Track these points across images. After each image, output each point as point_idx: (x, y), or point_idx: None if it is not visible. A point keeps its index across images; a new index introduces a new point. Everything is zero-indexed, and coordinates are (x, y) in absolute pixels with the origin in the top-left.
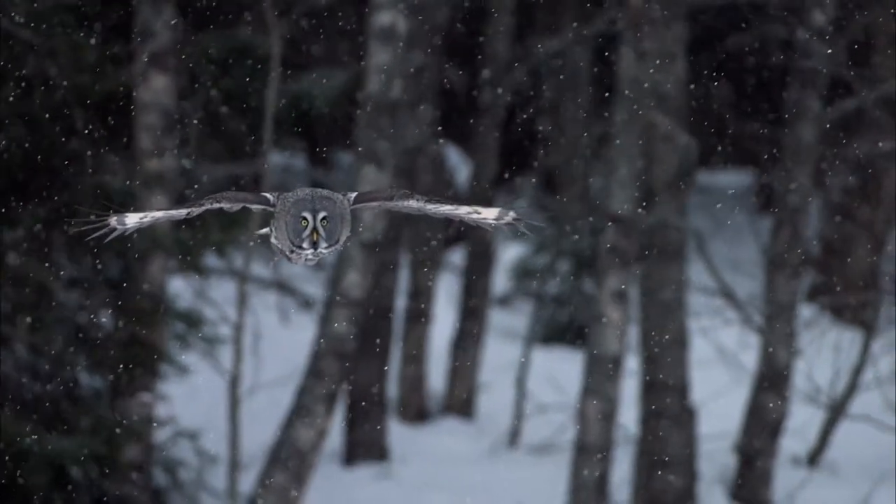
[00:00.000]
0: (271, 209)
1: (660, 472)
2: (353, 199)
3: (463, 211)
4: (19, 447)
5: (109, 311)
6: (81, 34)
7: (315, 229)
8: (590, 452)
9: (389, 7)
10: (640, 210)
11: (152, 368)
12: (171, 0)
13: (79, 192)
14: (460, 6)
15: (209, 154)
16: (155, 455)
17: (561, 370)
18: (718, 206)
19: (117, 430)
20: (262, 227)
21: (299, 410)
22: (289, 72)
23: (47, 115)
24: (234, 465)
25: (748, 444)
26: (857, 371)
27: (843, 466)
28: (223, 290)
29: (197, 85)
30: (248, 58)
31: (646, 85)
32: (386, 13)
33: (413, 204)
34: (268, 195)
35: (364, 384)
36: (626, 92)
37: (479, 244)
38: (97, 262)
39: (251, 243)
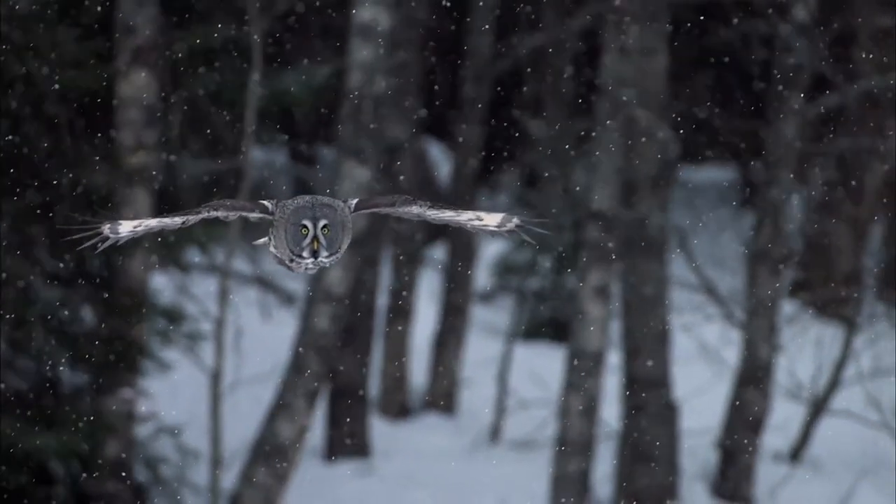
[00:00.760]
0: (270, 217)
1: (642, 468)
2: (353, 205)
3: (465, 217)
4: (0, 444)
5: (91, 307)
6: (63, 29)
7: (316, 238)
8: (572, 448)
9: (371, 3)
10: (621, 206)
11: (134, 364)
12: None
13: (60, 187)
14: (441, 2)
15: (190, 149)
16: (136, 451)
17: (543, 366)
18: (700, 201)
19: (99, 427)
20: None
21: (281, 406)
22: (274, 63)
23: (28, 111)
24: (216, 462)
25: (730, 439)
26: (839, 367)
27: (826, 462)
28: (205, 286)
29: (178, 80)
30: (229, 53)
31: (628, 81)
32: (367, 9)
33: (414, 210)
34: (266, 203)
35: (346, 380)
36: (609, 87)
37: (461, 240)
38: (79, 258)
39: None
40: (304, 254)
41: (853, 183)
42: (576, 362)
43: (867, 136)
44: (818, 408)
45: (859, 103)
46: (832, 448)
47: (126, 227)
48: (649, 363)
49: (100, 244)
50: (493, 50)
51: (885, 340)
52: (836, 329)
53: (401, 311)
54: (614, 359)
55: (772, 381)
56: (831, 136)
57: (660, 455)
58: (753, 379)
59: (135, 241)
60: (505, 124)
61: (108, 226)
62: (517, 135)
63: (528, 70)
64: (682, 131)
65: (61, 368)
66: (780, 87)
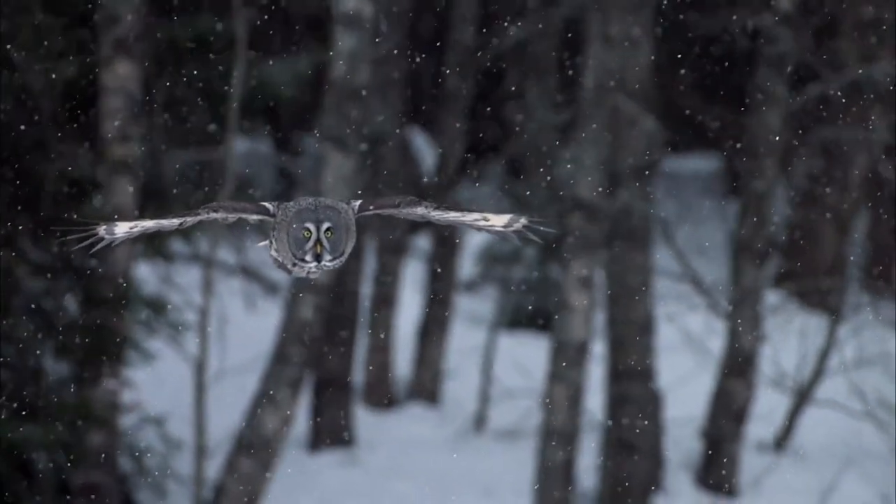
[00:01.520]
0: (271, 219)
1: (626, 458)
2: (357, 207)
3: (470, 218)
4: None
5: (75, 298)
6: (47, 19)
7: (319, 241)
8: (556, 438)
9: None
10: (606, 196)
11: (118, 354)
12: None
13: (43, 178)
14: None
15: (174, 139)
16: (120, 441)
17: (527, 356)
18: (684, 191)
19: (83, 417)
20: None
21: (265, 396)
22: (260, 53)
23: (11, 101)
24: (200, 452)
25: (714, 429)
26: (823, 356)
27: (810, 451)
28: (189, 276)
29: (162, 71)
30: (213, 43)
31: (612, 70)
32: None
33: (419, 211)
34: (267, 205)
35: (330, 370)
36: (593, 77)
37: (445, 230)
38: (62, 248)
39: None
40: (307, 257)
41: (837, 173)
42: (560, 352)
43: (851, 127)
44: (802, 397)
45: (843, 94)
46: (816, 437)
47: (122, 229)
48: (633, 353)
49: (96, 245)
50: (476, 41)
51: (868, 330)
52: (820, 319)
53: (385, 301)
54: (599, 348)
55: (756, 371)
56: (815, 126)
57: (644, 445)
58: (738, 369)
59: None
60: (489, 114)
61: (104, 227)
62: (501, 125)
63: (512, 61)
64: (666, 122)
65: (45, 357)
66: (764, 78)
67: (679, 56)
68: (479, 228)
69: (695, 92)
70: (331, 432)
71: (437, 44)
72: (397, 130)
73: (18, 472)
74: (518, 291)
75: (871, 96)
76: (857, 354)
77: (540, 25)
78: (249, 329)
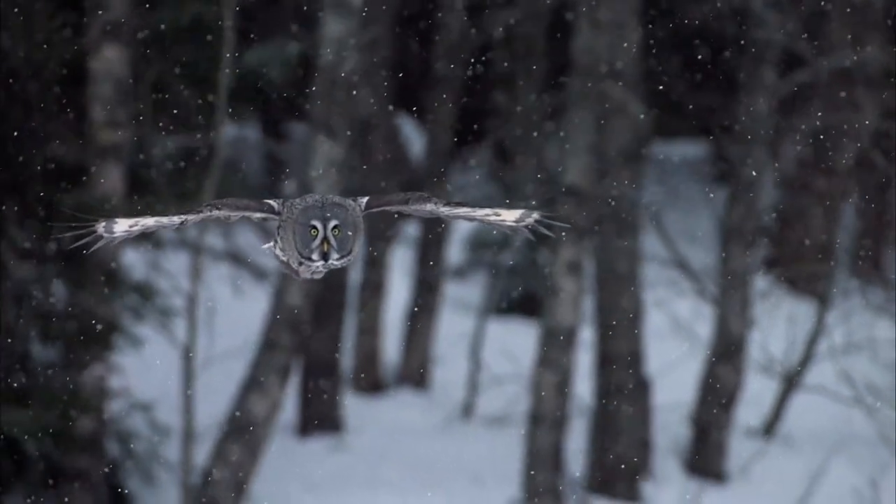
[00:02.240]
0: (276, 218)
1: (614, 443)
2: (364, 204)
3: (481, 213)
4: None
5: (62, 283)
6: (35, 4)
7: (326, 239)
8: (544, 424)
9: None
10: (594, 181)
11: (105, 340)
12: None
13: (31, 163)
14: None
15: (162, 125)
16: (109, 427)
17: (515, 342)
18: (673, 177)
19: (71, 403)
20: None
21: (253, 382)
22: (251, 36)
23: None
24: (189, 437)
25: (703, 414)
26: (812, 342)
27: (798, 437)
28: (177, 262)
29: (150, 56)
30: (201, 29)
31: (600, 56)
32: None
33: (428, 207)
34: (272, 202)
35: (318, 356)
36: (581, 63)
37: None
38: (50, 233)
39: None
40: (314, 256)
41: (825, 158)
42: (548, 338)
43: (839, 113)
44: (791, 383)
45: (832, 79)
46: (805, 423)
47: (121, 227)
48: (622, 339)
49: (95, 242)
50: (464, 26)
51: (857, 316)
52: (808, 304)
53: (373, 287)
54: (587, 334)
55: (744, 357)
56: (804, 112)
57: (632, 430)
58: (726, 354)
59: (107, 216)
60: (477, 99)
61: (104, 224)
62: (490, 111)
63: (501, 45)
64: (655, 107)
65: (33, 343)
66: (753, 63)
67: (668, 41)
68: (491, 224)
69: (683, 77)
70: (319, 418)
71: (426, 28)
72: (386, 117)
73: (6, 456)
74: (506, 277)
75: (861, 82)
76: (845, 340)
77: (528, 10)
78: (238, 315)
